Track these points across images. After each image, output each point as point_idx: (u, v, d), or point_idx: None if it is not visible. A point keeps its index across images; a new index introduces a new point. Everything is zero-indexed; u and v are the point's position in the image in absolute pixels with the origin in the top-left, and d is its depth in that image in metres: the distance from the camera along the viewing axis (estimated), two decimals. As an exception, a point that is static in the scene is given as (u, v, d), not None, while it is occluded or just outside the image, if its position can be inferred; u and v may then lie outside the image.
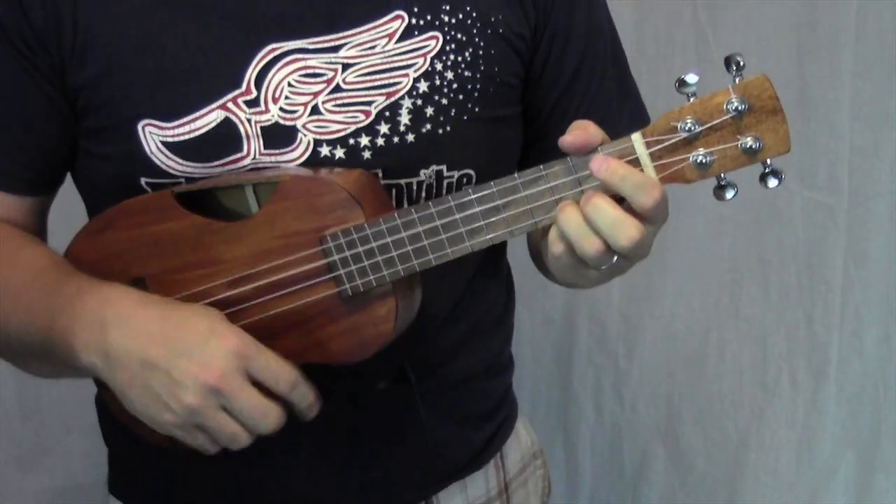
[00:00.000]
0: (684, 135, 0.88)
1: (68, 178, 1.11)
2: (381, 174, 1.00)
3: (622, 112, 1.10)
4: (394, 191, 1.01)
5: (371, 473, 1.11)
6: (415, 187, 1.02)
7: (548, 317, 2.14)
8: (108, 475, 1.20)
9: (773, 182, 0.90)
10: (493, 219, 0.92)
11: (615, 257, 0.89)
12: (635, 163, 0.89)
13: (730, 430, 2.00)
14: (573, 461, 2.18)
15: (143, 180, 1.00)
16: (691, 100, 0.88)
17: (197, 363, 0.91)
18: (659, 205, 0.88)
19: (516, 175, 0.91)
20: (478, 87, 1.02)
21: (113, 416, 1.05)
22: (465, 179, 1.03)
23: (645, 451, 2.10)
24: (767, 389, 1.95)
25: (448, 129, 1.01)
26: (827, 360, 1.89)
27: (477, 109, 1.02)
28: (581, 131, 0.89)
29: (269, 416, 0.94)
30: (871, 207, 1.81)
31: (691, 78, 0.88)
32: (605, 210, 0.87)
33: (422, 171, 1.01)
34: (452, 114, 1.01)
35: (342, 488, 1.11)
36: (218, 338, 0.92)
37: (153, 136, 0.99)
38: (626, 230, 0.87)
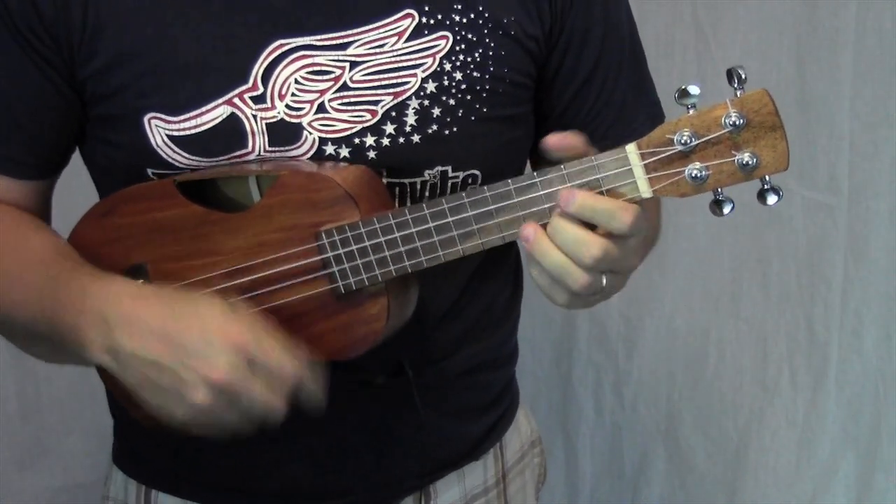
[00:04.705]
0: (680, 147, 0.86)
1: (66, 173, 1.11)
2: (384, 174, 1.00)
3: (637, 111, 1.09)
4: (397, 190, 1.01)
5: (369, 464, 1.11)
6: (418, 187, 1.01)
7: (548, 317, 2.14)
8: (112, 446, 1.20)
9: (772, 199, 0.88)
10: (485, 223, 0.91)
11: (604, 278, 0.88)
12: (629, 174, 0.88)
13: (730, 430, 2.00)
14: (573, 461, 2.18)
15: (149, 171, 1.00)
16: (690, 111, 0.86)
17: (203, 363, 0.89)
18: (634, 225, 0.87)
19: (509, 181, 0.90)
20: (487, 87, 1.01)
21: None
22: (470, 180, 1.03)
23: (645, 451, 2.10)
24: (767, 389, 1.95)
25: (454, 129, 1.00)
26: (827, 360, 1.89)
27: (485, 110, 1.01)
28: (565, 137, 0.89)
29: (273, 410, 0.92)
30: (871, 207, 1.81)
31: (693, 89, 0.86)
32: (564, 229, 0.87)
33: (426, 172, 1.01)
34: (459, 114, 1.00)
35: (340, 477, 1.11)
36: (220, 334, 0.90)
37: (159, 130, 0.99)
38: (588, 248, 0.86)
